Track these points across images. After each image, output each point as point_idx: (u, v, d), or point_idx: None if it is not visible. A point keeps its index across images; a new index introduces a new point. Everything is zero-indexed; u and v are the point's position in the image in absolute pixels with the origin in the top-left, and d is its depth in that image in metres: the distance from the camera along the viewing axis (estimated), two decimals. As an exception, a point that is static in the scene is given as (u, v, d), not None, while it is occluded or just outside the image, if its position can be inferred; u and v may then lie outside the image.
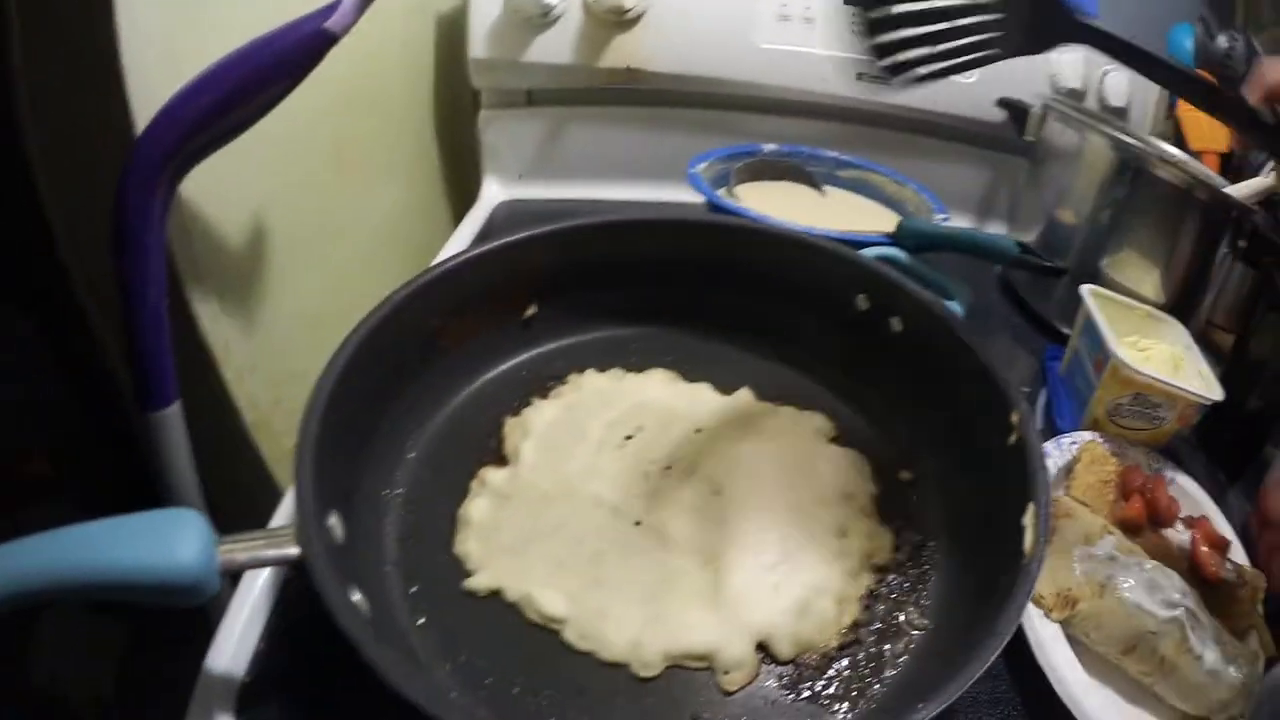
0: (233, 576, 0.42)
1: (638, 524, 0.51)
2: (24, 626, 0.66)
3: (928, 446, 0.58)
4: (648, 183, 0.99)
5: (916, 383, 0.60)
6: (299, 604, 0.47)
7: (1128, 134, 0.84)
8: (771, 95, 0.97)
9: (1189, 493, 0.62)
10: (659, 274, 0.66)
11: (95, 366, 0.63)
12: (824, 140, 0.98)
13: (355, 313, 0.80)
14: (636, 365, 0.64)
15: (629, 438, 0.57)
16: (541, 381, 0.62)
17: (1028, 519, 0.44)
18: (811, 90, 0.96)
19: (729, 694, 0.45)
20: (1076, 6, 0.48)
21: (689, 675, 0.45)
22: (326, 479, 0.42)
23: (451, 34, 1.00)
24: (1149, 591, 0.49)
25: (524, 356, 0.64)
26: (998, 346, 0.82)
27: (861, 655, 0.47)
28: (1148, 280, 0.80)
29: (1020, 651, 0.49)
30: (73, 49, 0.53)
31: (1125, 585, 0.49)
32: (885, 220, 0.90)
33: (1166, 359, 0.68)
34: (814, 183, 0.93)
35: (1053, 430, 0.68)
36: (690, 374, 0.64)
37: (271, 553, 0.39)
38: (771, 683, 0.45)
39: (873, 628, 0.48)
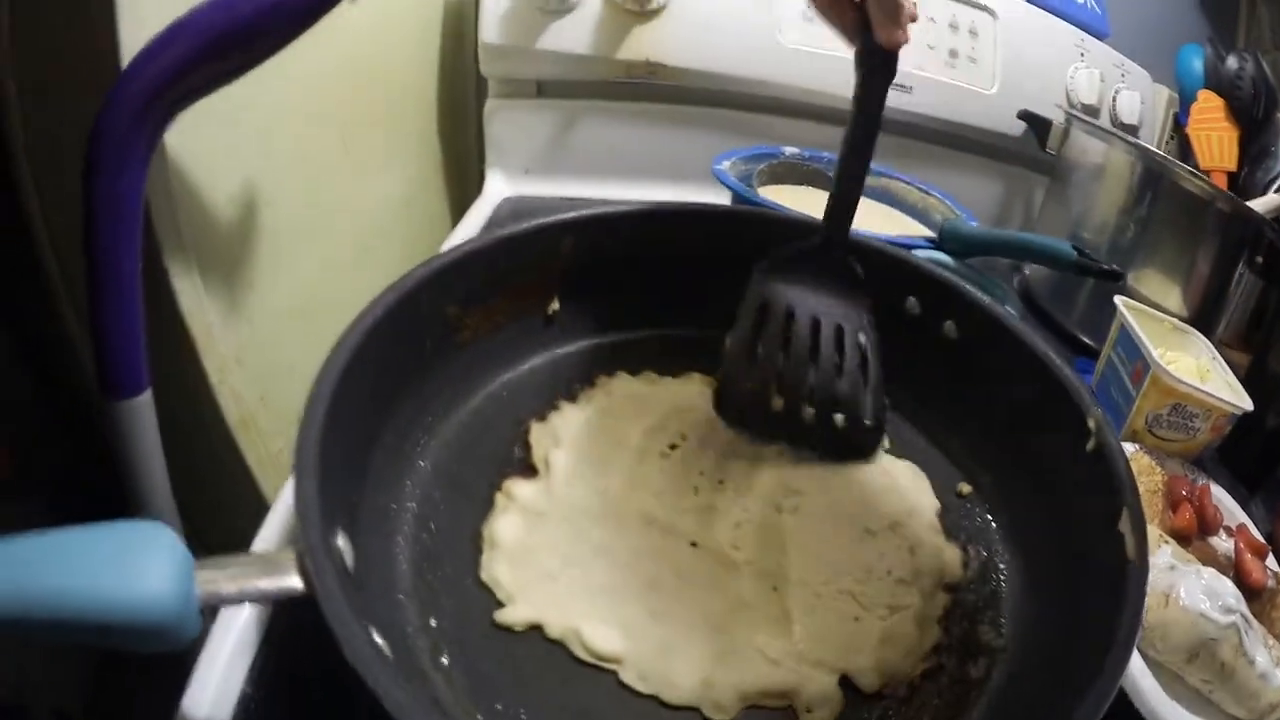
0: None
1: (694, 545, 0.45)
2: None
3: (987, 456, 0.54)
4: (661, 183, 0.95)
5: (973, 389, 0.56)
6: (293, 638, 0.40)
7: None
8: (794, 97, 0.94)
9: (1224, 502, 0.62)
10: (694, 270, 0.59)
11: (64, 355, 0.55)
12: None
13: (349, 307, 0.73)
14: (669, 369, 0.58)
15: (673, 447, 0.51)
16: (565, 384, 0.56)
17: (1124, 525, 0.41)
18: (833, 94, 0.92)
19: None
20: None
21: (767, 716, 0.39)
22: (332, 491, 0.35)
23: (459, 16, 0.95)
24: (1209, 599, 0.48)
25: (545, 356, 0.57)
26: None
27: (945, 679, 0.42)
28: (1171, 293, 0.82)
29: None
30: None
31: (1186, 594, 0.48)
32: (912, 228, 0.86)
33: (1193, 371, 0.68)
34: (838, 188, 0.88)
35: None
36: None
37: (267, 584, 0.30)
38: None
39: (952, 650, 0.43)
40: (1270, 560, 0.58)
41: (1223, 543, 0.57)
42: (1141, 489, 0.54)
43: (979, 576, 0.47)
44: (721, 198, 0.77)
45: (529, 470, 0.48)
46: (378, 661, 0.29)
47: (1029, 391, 0.52)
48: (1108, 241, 0.84)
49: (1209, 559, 0.55)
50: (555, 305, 0.57)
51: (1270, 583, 0.54)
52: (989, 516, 0.52)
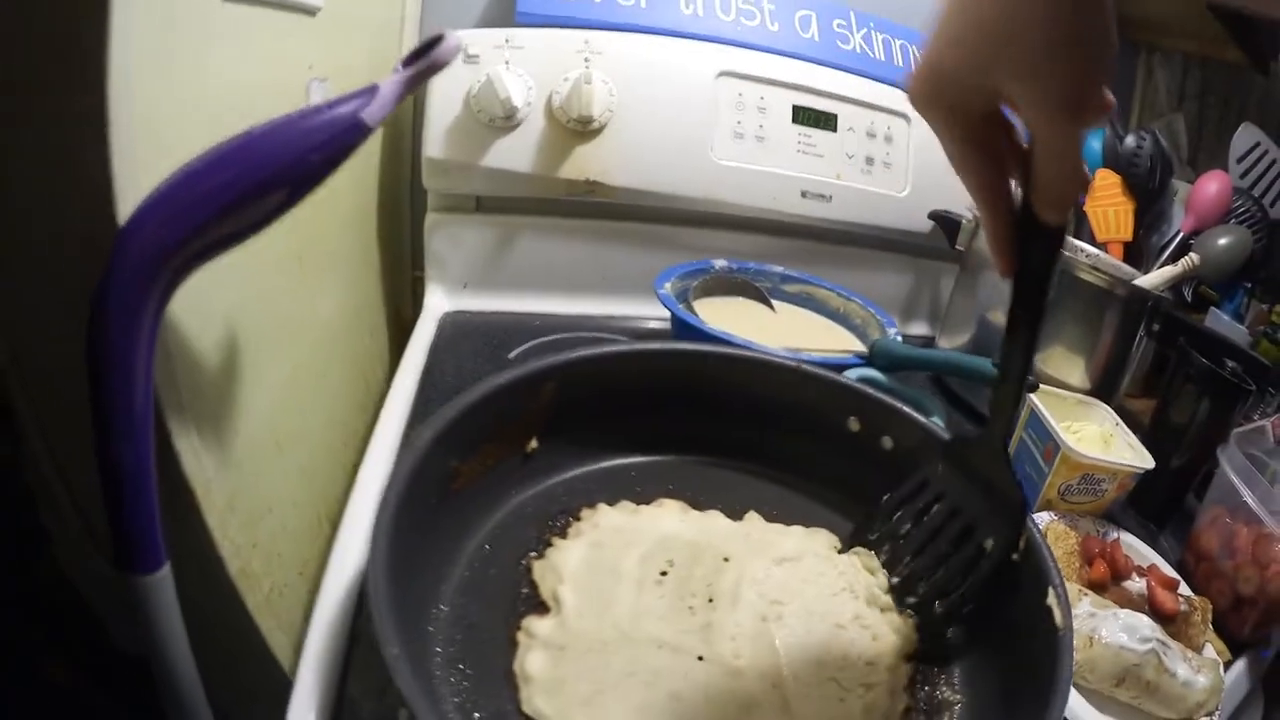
0: None
1: (700, 659, 0.50)
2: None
3: (928, 550, 0.60)
4: (597, 296, 0.99)
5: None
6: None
7: None
8: (724, 211, 0.99)
9: (1133, 546, 0.73)
10: (654, 403, 0.65)
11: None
12: (769, 254, 1.00)
13: (312, 433, 0.74)
14: (643, 496, 0.62)
15: (664, 574, 0.56)
16: (549, 517, 0.59)
17: (1051, 600, 0.49)
18: (761, 207, 0.99)
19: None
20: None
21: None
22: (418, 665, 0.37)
23: (396, 129, 0.96)
24: (1127, 633, 0.59)
25: (528, 493, 0.61)
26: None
27: None
28: (1075, 370, 0.91)
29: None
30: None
31: (1107, 633, 0.59)
32: (835, 336, 0.93)
33: (1097, 438, 0.79)
34: (764, 298, 0.94)
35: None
36: (698, 502, 0.63)
37: None
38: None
39: (920, 711, 0.51)
40: (1182, 587, 0.69)
41: (1135, 584, 0.67)
42: (1059, 552, 0.68)
43: (931, 645, 0.55)
44: (662, 311, 0.82)
45: (540, 606, 0.52)
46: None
47: None
48: None
49: (1125, 600, 0.65)
50: (534, 444, 0.61)
51: (1183, 606, 0.64)
52: (932, 592, 0.57)
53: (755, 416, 0.67)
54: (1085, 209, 1.11)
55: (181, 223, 0.44)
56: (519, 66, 0.89)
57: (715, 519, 0.62)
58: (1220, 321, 1.01)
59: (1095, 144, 1.13)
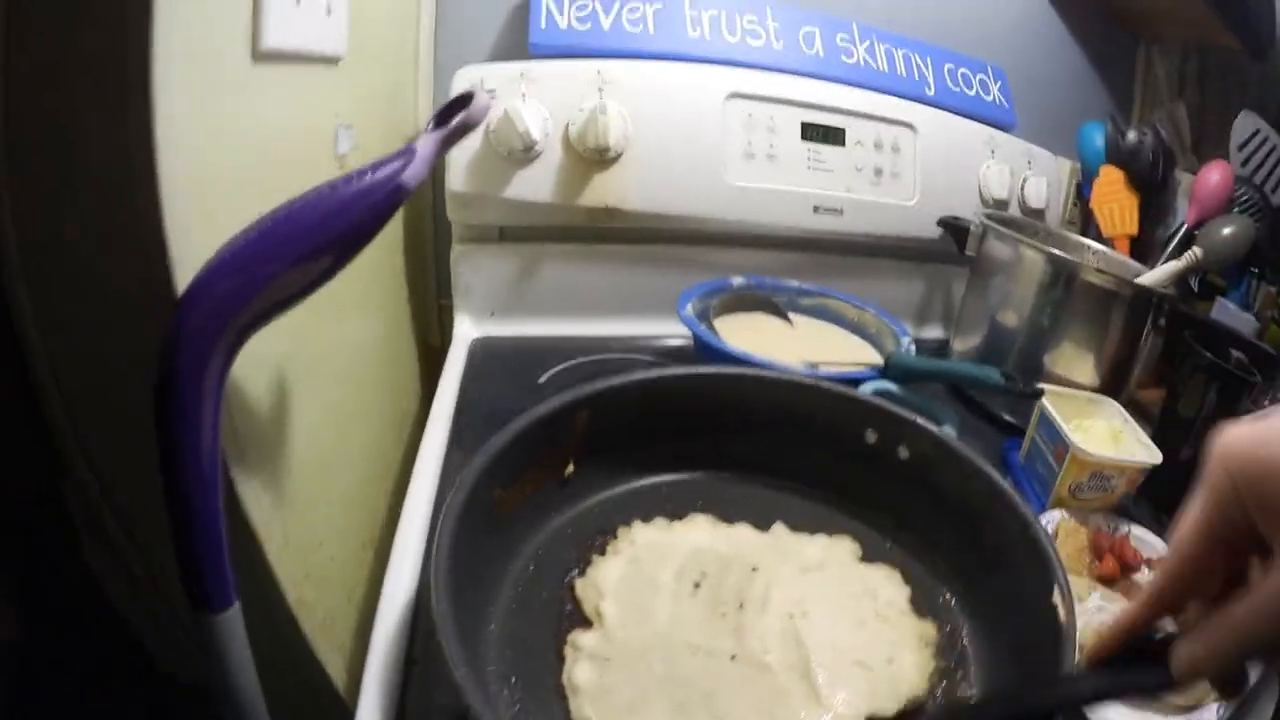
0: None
1: (734, 658, 0.54)
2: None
3: (944, 548, 0.64)
4: (620, 318, 1.02)
5: (926, 499, 0.66)
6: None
7: (1055, 241, 0.97)
8: (739, 230, 1.02)
9: (1144, 539, 0.74)
10: (682, 424, 0.69)
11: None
12: (785, 268, 1.03)
13: (355, 465, 0.78)
14: (675, 512, 0.66)
15: (697, 585, 0.59)
16: (587, 536, 0.62)
17: (1056, 598, 0.51)
18: (775, 224, 1.02)
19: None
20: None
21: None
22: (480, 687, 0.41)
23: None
24: None
25: (567, 515, 0.64)
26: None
27: None
28: (1084, 368, 0.93)
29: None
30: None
31: None
32: (851, 346, 0.96)
33: (1106, 434, 0.81)
34: (782, 313, 0.97)
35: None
36: (727, 516, 0.66)
37: None
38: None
39: (938, 700, 0.54)
40: None
41: (1145, 576, 0.68)
42: (1071, 549, 0.71)
43: (949, 644, 0.58)
44: (684, 329, 0.85)
45: (584, 621, 0.56)
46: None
47: (971, 494, 0.62)
48: (1024, 327, 0.94)
49: (1135, 593, 0.66)
50: (571, 469, 0.64)
51: None
52: (948, 595, 0.62)
53: (777, 432, 0.70)
54: (1091, 206, 1.13)
55: (241, 288, 0.47)
56: (535, 99, 0.92)
57: (744, 531, 0.65)
58: (1227, 311, 1.02)
59: (1098, 140, 1.14)
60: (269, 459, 0.59)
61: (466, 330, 0.98)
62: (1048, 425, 0.79)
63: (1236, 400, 0.80)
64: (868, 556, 0.65)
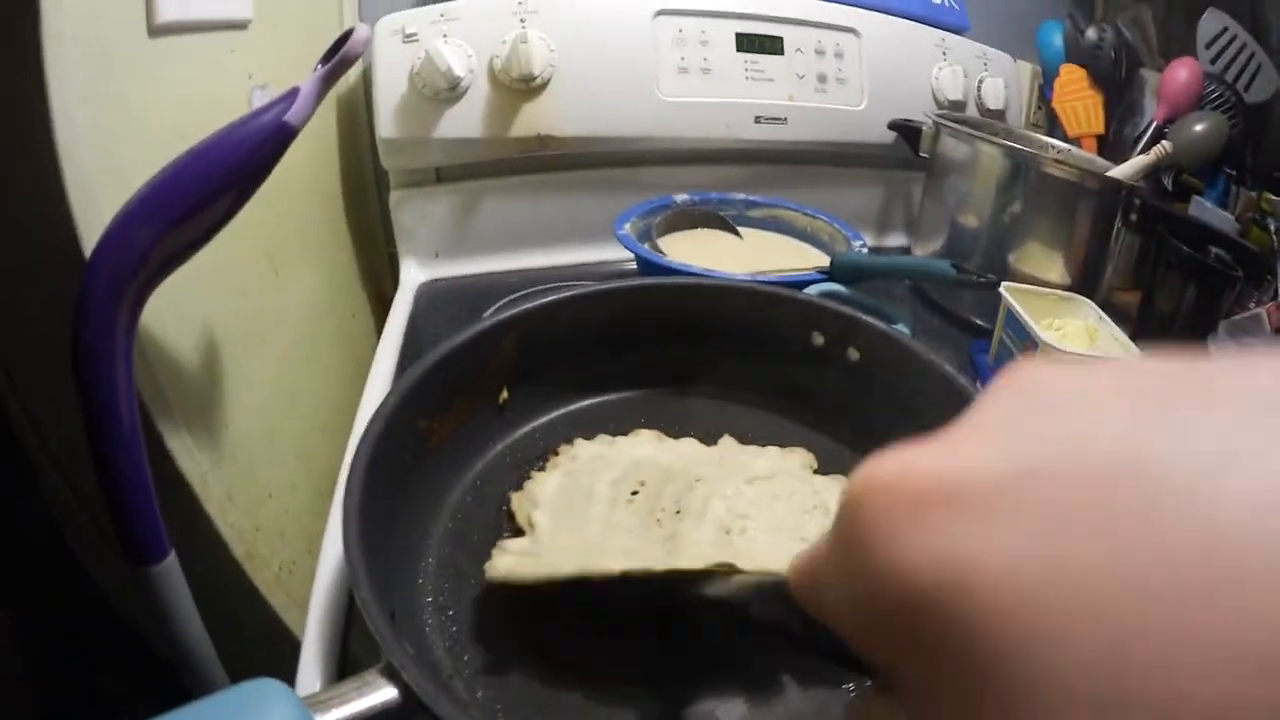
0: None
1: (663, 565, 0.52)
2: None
3: None
4: (565, 246, 1.01)
5: (881, 402, 0.64)
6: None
7: (1016, 139, 0.93)
8: (679, 147, 1.00)
9: None
10: (620, 341, 0.67)
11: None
12: (732, 183, 1.01)
13: (304, 417, 0.78)
14: (620, 429, 0.64)
15: (635, 493, 0.58)
16: (528, 462, 0.62)
17: None
18: (715, 137, 1.00)
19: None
20: None
21: None
22: (384, 606, 0.40)
23: (351, 110, 0.98)
24: None
25: (505, 441, 0.63)
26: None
27: None
28: (1053, 266, 0.90)
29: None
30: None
31: None
32: (803, 255, 0.94)
33: (1081, 333, 0.78)
34: (730, 226, 0.96)
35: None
36: (673, 431, 0.65)
37: (369, 700, 0.36)
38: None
39: None
40: None
41: None
42: None
43: None
44: (628, 254, 0.84)
45: (517, 532, 0.55)
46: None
47: (928, 396, 0.60)
48: (986, 227, 0.92)
49: None
50: (505, 395, 0.63)
51: None
52: None
53: (720, 342, 0.68)
54: (1054, 105, 1.10)
55: (140, 240, 0.48)
56: (457, 38, 0.90)
57: (689, 445, 0.64)
58: (1205, 210, 1.00)
59: (1057, 40, 1.12)
60: (201, 414, 0.59)
61: (413, 275, 0.97)
62: (1014, 322, 0.76)
63: (1218, 297, 0.77)
64: (823, 469, 0.62)
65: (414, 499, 0.54)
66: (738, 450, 0.64)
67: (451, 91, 0.90)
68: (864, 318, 0.65)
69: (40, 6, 0.45)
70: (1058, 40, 1.12)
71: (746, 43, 1.01)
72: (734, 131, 1.00)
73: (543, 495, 0.57)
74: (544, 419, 0.65)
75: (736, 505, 0.57)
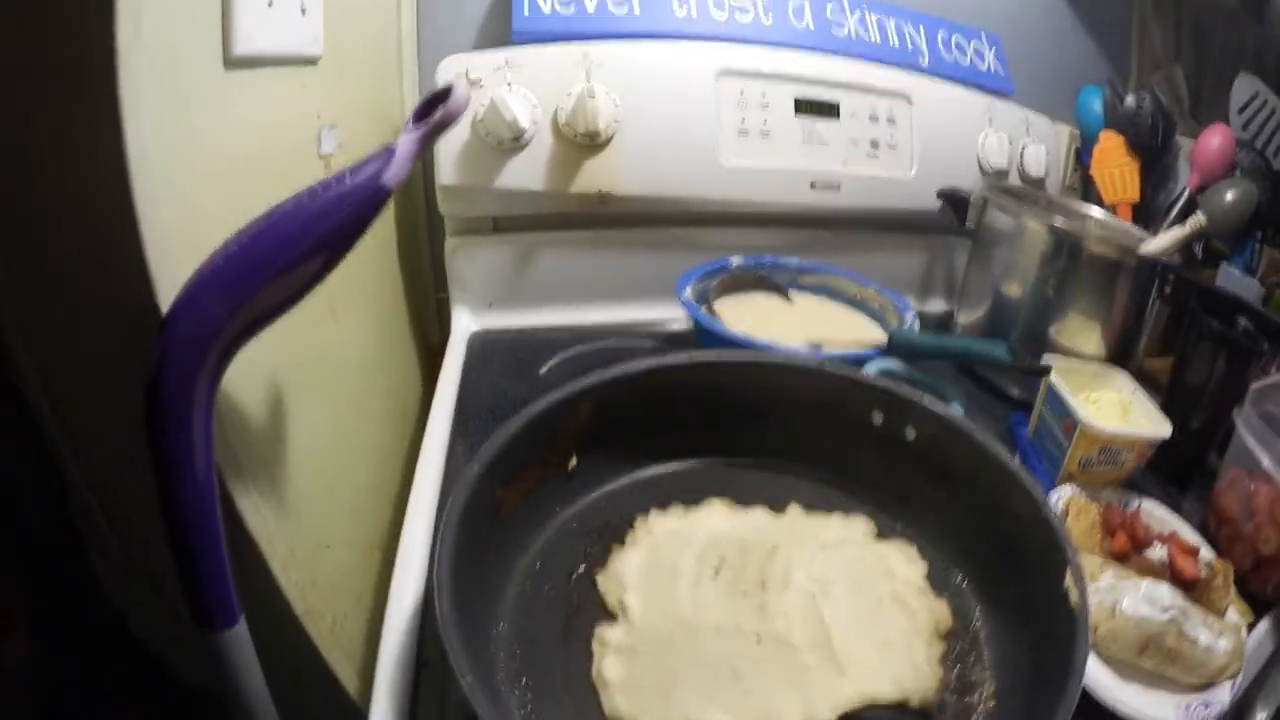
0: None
1: (759, 637, 0.54)
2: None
3: (955, 532, 0.64)
4: (618, 303, 1.01)
5: (937, 478, 0.65)
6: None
7: (1057, 209, 0.96)
8: (736, 209, 1.00)
9: (1154, 513, 0.74)
10: (687, 412, 0.68)
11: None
12: (783, 246, 1.01)
13: (356, 466, 0.77)
14: (690, 500, 0.65)
15: (718, 569, 0.59)
16: (594, 529, 0.62)
17: (1069, 581, 0.51)
18: (772, 201, 1.00)
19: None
20: None
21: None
22: (488, 689, 0.40)
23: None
24: (1148, 604, 0.60)
25: (572, 509, 0.63)
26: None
27: (950, 711, 0.52)
28: (1091, 338, 0.91)
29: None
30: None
31: (1129, 604, 0.60)
32: (854, 324, 0.94)
33: (1115, 405, 0.80)
34: (783, 291, 0.96)
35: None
36: (739, 498, 0.66)
37: None
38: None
39: (952, 690, 0.54)
40: (1205, 550, 0.69)
41: (1157, 552, 0.68)
42: (1082, 526, 0.70)
43: (964, 626, 0.58)
44: (683, 312, 0.84)
45: (607, 614, 0.56)
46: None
47: (981, 474, 0.61)
48: (1028, 298, 0.92)
49: (1146, 569, 0.66)
50: (574, 462, 0.63)
51: (1204, 572, 0.66)
52: (961, 576, 0.62)
53: (783, 416, 0.69)
54: (1092, 172, 1.11)
55: (225, 303, 0.46)
56: (521, 86, 0.90)
57: (759, 514, 0.65)
58: (1231, 277, 1.01)
59: (1096, 105, 1.13)
60: (267, 470, 0.58)
61: (465, 323, 0.97)
62: (1055, 400, 0.77)
63: (1245, 369, 0.78)
64: (882, 535, 0.64)
65: (486, 568, 0.54)
66: (805, 518, 0.65)
67: (515, 142, 0.90)
68: (923, 400, 0.66)
69: (116, 33, 0.44)
70: (1097, 106, 1.13)
71: (805, 107, 1.01)
72: (790, 197, 1.01)
73: (629, 576, 0.58)
74: (609, 486, 0.65)
75: (814, 572, 0.59)
